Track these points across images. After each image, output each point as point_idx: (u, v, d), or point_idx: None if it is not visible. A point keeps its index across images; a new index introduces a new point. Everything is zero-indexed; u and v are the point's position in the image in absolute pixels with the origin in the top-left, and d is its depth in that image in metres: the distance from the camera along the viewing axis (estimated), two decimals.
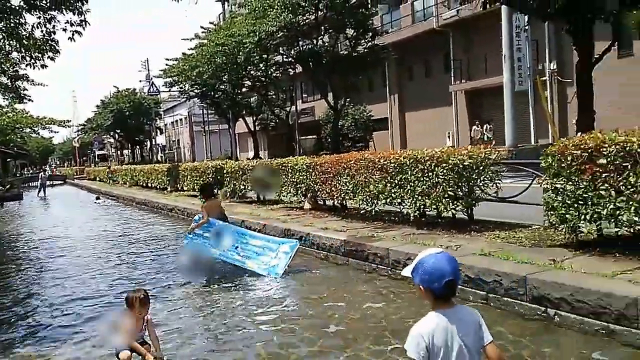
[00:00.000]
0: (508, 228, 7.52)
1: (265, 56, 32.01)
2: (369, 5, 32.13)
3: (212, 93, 39.10)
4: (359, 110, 34.84)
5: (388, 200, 8.75)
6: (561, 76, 22.72)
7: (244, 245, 8.27)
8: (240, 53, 28.54)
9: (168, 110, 66.44)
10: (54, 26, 9.95)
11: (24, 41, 10.38)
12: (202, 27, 36.83)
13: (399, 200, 8.55)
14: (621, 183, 5.32)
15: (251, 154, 43.99)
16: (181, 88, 40.81)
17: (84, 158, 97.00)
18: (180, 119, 66.99)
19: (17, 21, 9.47)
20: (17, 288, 8.41)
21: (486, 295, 5.51)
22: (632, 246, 5.50)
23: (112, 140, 74.24)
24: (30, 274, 9.55)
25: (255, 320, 5.78)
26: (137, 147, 65.12)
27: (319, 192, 10.97)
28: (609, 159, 5.43)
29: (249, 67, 33.34)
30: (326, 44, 31.18)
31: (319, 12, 27.24)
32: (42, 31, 10.12)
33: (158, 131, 65.61)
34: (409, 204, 8.29)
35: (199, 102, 45.71)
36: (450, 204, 7.65)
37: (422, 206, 8.12)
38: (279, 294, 6.76)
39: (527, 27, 22.81)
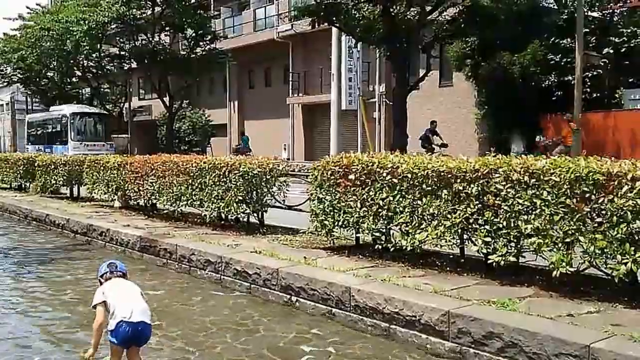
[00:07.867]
0: (292, 233, 8.38)
1: (97, 46, 30.65)
2: (211, 8, 32.12)
3: (38, 80, 36.72)
4: (198, 114, 34.02)
5: (189, 202, 9.37)
6: (389, 99, 23.62)
7: None
8: (69, 41, 27.09)
9: None
10: None
11: None
12: (28, 8, 34.30)
13: (198, 203, 9.22)
14: (364, 196, 6.54)
15: None
16: (2, 71, 37.94)
17: None
18: (1, 105, 60.69)
19: None
20: None
21: (249, 285, 6.38)
22: (376, 251, 6.65)
23: None
24: None
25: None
26: None
27: (128, 191, 11.19)
28: (356, 176, 6.63)
29: (80, 57, 31.76)
30: (164, 42, 30.72)
31: (156, 8, 26.84)
32: None
33: None
34: (206, 206, 8.98)
35: (22, 89, 42.48)
36: (240, 208, 8.48)
37: (217, 209, 8.85)
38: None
39: (359, 50, 23.84)
